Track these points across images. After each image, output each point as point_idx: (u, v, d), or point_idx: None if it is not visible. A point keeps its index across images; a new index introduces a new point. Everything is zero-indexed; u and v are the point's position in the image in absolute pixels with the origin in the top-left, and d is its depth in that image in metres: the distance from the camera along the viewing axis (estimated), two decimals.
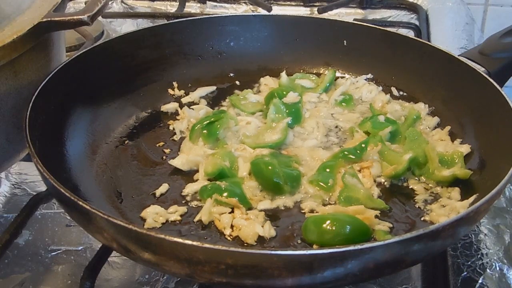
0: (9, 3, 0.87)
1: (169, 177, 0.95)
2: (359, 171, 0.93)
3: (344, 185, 0.89)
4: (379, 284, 0.83)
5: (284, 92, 1.09)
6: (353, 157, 0.95)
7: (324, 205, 0.88)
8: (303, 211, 0.87)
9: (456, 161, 0.93)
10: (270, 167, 0.89)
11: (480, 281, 0.81)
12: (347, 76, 1.19)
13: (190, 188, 0.92)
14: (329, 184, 0.89)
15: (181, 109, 1.11)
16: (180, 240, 0.64)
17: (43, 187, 0.99)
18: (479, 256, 0.85)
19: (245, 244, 0.81)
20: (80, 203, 0.70)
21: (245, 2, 1.70)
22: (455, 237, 0.75)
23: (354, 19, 1.55)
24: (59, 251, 0.90)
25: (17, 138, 0.89)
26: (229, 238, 0.82)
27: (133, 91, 1.11)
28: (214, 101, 1.15)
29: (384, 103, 1.10)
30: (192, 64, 1.19)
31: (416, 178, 0.93)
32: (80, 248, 0.91)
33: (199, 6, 1.73)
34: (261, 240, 0.82)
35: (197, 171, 0.95)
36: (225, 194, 0.87)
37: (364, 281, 0.80)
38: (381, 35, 1.16)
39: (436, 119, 1.06)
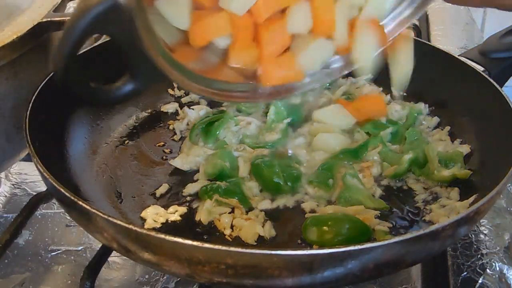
0: (9, 3, 0.87)
1: (169, 177, 0.95)
2: (360, 171, 0.93)
3: (344, 185, 0.89)
4: (379, 284, 0.83)
5: None
6: (354, 157, 0.95)
7: (324, 205, 0.88)
8: (303, 211, 0.87)
9: (456, 161, 0.93)
10: (270, 168, 0.89)
11: (480, 281, 0.81)
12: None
13: (190, 188, 0.92)
14: (329, 184, 0.89)
15: (181, 109, 1.11)
16: (180, 240, 0.64)
17: (43, 187, 0.99)
18: (479, 256, 0.85)
19: (245, 244, 0.81)
20: (80, 203, 0.70)
21: None
22: (455, 237, 0.75)
23: None
24: (59, 251, 0.90)
25: (17, 138, 0.89)
26: (229, 238, 0.82)
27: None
28: (214, 101, 1.15)
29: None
30: None
31: (416, 178, 0.93)
32: (80, 248, 0.91)
33: None
34: (261, 240, 0.82)
35: (197, 171, 0.95)
36: (225, 194, 0.87)
37: (364, 281, 0.80)
38: None
39: (436, 119, 1.06)
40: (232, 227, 0.83)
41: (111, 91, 0.81)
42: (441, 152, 0.95)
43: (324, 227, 0.79)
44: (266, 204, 0.88)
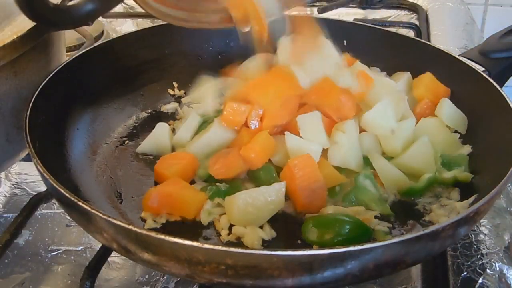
0: (9, 3, 0.87)
1: None
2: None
3: (355, 185, 0.89)
4: (379, 284, 0.82)
5: None
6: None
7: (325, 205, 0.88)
8: (303, 212, 0.87)
9: (461, 164, 0.93)
10: (267, 172, 0.90)
11: (480, 281, 0.81)
12: None
13: None
14: (336, 191, 0.89)
15: (181, 109, 1.11)
16: (180, 240, 0.64)
17: (43, 187, 0.99)
18: (479, 256, 0.85)
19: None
20: (80, 203, 0.70)
21: None
22: (455, 237, 0.75)
23: (354, 19, 1.55)
24: (59, 251, 0.90)
25: (17, 138, 0.89)
26: (229, 239, 0.82)
27: (133, 91, 1.11)
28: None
29: None
30: (192, 64, 1.18)
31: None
32: (80, 248, 0.91)
33: None
34: (261, 241, 0.82)
35: None
36: (225, 195, 0.87)
37: (364, 281, 0.80)
38: (381, 35, 1.16)
39: None
40: (230, 228, 0.83)
41: (70, 10, 0.79)
42: (446, 154, 0.95)
43: (324, 228, 0.79)
44: None
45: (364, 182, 0.89)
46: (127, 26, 1.62)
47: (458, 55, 1.06)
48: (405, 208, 0.88)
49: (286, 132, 0.90)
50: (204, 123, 1.01)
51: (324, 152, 0.90)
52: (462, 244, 0.87)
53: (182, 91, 1.17)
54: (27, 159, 0.89)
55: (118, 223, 0.67)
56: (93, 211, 0.69)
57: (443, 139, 0.97)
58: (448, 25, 1.57)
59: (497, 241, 0.88)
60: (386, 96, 0.96)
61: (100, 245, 0.83)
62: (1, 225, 0.95)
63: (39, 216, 0.97)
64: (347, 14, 1.67)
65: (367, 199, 0.87)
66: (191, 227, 0.85)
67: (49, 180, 0.74)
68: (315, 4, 1.68)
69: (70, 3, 1.03)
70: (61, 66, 0.96)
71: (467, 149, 0.96)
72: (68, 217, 0.93)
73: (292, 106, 0.94)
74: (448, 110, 0.99)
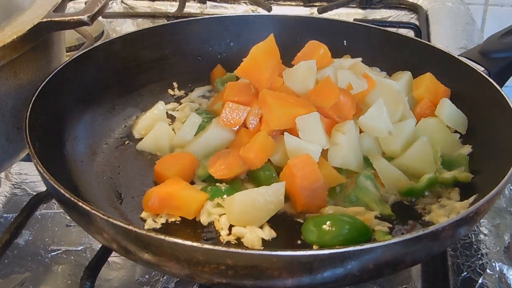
0: (10, 3, 0.87)
1: None
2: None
3: (355, 185, 0.89)
4: (379, 284, 0.83)
5: None
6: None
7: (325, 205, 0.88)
8: (303, 212, 0.87)
9: (461, 164, 0.93)
10: (267, 172, 0.90)
11: (480, 281, 0.81)
12: None
13: None
14: (336, 192, 0.89)
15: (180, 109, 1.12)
16: (180, 240, 0.64)
17: (43, 187, 0.99)
18: (479, 256, 0.85)
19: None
20: (80, 203, 0.70)
21: (245, 2, 1.70)
22: (455, 237, 0.75)
23: (354, 19, 1.54)
24: (59, 251, 0.90)
25: (17, 138, 0.89)
26: (229, 239, 0.82)
27: (133, 91, 1.11)
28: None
29: None
30: (192, 64, 1.19)
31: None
32: (80, 248, 0.91)
33: (199, 6, 1.73)
34: (262, 241, 0.82)
35: None
36: (224, 196, 0.87)
37: (364, 282, 0.80)
38: (381, 35, 1.16)
39: None
40: (230, 228, 0.83)
41: None
42: (446, 154, 0.95)
43: (324, 228, 0.79)
44: None
45: (365, 182, 0.89)
46: (127, 26, 1.62)
47: (458, 55, 1.06)
48: (405, 208, 0.88)
49: (285, 133, 0.90)
50: (204, 123, 1.01)
51: (324, 152, 0.90)
52: (462, 244, 0.87)
53: (182, 91, 1.17)
54: (27, 159, 0.89)
55: (118, 223, 0.67)
56: (93, 211, 0.69)
57: (443, 139, 0.97)
58: (448, 25, 1.57)
59: (497, 241, 0.88)
60: (384, 96, 0.96)
61: (100, 245, 0.83)
62: (1, 225, 0.95)
63: (39, 216, 0.97)
64: (347, 14, 1.67)
65: (368, 199, 0.87)
66: (191, 227, 0.85)
67: (49, 180, 0.74)
68: (315, 4, 1.69)
69: (70, 3, 1.04)
70: (61, 66, 0.96)
71: (467, 149, 0.96)
72: (68, 217, 0.93)
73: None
74: (448, 110, 0.99)
